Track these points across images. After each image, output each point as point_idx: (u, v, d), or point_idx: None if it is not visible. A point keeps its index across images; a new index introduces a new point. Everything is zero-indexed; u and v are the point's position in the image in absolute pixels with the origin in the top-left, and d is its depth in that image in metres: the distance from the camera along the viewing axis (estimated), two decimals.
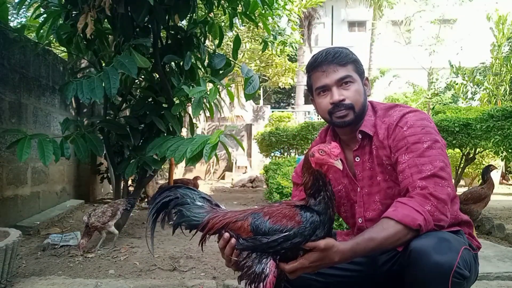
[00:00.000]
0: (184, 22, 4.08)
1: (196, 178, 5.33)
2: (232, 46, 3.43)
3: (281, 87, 11.99)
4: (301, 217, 1.14)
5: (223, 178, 10.81)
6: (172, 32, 3.18)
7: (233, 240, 1.20)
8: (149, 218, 1.34)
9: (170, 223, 1.38)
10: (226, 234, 1.21)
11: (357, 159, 1.43)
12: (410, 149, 1.27)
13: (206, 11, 3.31)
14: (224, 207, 1.35)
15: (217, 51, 3.51)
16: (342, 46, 1.45)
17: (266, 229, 1.15)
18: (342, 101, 1.36)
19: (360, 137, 1.40)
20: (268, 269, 1.14)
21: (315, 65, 1.41)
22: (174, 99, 3.09)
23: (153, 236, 1.38)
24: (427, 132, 1.29)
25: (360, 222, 1.45)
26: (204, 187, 8.33)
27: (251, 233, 1.17)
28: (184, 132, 6.15)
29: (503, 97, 8.70)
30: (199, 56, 3.27)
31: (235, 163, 10.99)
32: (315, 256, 1.13)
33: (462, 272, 1.11)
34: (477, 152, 4.73)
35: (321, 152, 1.14)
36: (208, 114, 3.21)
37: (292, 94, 21.78)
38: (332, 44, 20.03)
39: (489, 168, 3.68)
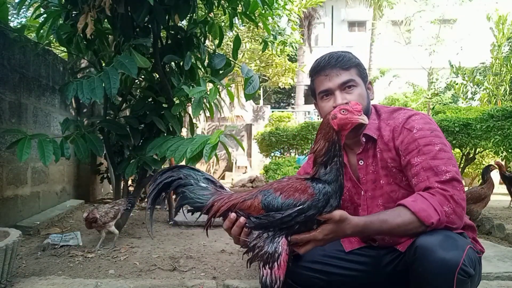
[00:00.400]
0: (184, 22, 4.08)
1: None
2: (232, 46, 3.43)
3: (281, 87, 11.99)
4: (313, 189, 1.12)
5: (223, 178, 10.81)
6: (172, 32, 3.18)
7: (242, 219, 1.18)
8: (148, 198, 1.31)
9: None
10: (233, 215, 1.19)
11: (361, 162, 1.43)
12: (422, 151, 1.27)
13: (206, 11, 3.31)
14: (229, 190, 1.32)
15: (217, 51, 3.51)
16: (345, 50, 1.45)
17: (279, 204, 1.13)
18: None
19: (364, 140, 1.40)
20: (280, 247, 1.13)
21: (318, 69, 1.41)
22: (174, 99, 3.10)
23: (152, 219, 1.36)
24: (436, 135, 1.29)
25: None
26: None
27: (263, 210, 1.15)
28: (184, 132, 6.14)
29: (503, 97, 8.70)
30: (199, 56, 3.27)
31: (235, 163, 10.99)
32: (329, 228, 1.13)
33: (467, 269, 1.11)
34: (477, 152, 4.74)
35: (343, 111, 1.14)
36: (208, 114, 3.21)
37: (292, 94, 21.78)
38: (332, 44, 20.05)
39: (489, 168, 3.68)
